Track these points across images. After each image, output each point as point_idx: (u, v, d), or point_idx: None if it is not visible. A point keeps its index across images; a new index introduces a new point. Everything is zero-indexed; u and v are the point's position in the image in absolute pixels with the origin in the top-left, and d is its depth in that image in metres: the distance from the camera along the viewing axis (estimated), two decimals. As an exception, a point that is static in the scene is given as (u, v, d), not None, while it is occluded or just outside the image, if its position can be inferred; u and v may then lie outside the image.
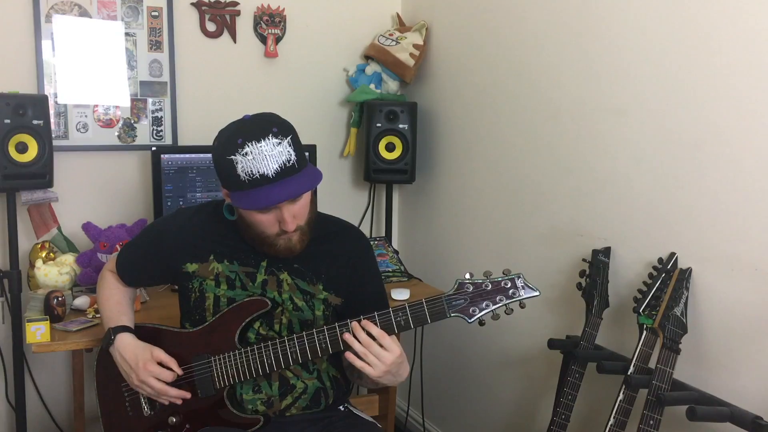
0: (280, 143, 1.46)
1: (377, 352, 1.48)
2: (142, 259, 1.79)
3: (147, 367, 1.60)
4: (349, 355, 1.50)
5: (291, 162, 1.47)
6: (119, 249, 1.94)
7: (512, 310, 1.50)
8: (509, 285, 1.48)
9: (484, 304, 1.48)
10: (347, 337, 1.50)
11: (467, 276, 1.49)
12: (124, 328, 1.69)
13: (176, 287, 1.79)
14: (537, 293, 1.48)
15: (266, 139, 1.45)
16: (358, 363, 1.49)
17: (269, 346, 1.59)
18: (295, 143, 1.49)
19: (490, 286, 1.48)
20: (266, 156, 1.44)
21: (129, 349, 1.64)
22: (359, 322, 1.50)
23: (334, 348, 1.54)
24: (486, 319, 1.49)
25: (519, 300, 1.48)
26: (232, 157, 1.45)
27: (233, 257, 1.66)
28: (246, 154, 1.44)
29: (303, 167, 1.50)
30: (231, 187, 1.51)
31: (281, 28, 2.83)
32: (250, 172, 1.45)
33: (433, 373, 2.97)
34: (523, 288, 1.48)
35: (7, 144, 2.16)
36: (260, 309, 1.62)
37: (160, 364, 1.62)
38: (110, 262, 1.88)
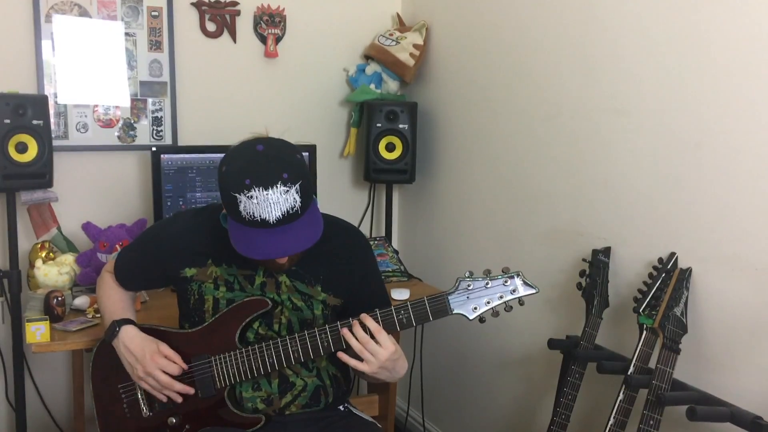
0: (287, 191, 1.43)
1: (373, 349, 1.50)
2: (140, 265, 1.79)
3: (154, 359, 1.60)
4: (341, 355, 1.53)
5: (295, 209, 1.44)
6: (118, 250, 1.94)
7: (511, 307, 1.54)
8: (508, 283, 1.52)
9: (484, 302, 1.52)
10: (345, 332, 1.52)
11: (467, 274, 1.53)
12: (128, 321, 1.69)
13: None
14: (535, 291, 1.53)
15: (275, 187, 1.41)
16: (351, 362, 1.52)
17: (271, 346, 1.59)
18: (303, 189, 1.45)
19: (490, 283, 1.52)
20: (271, 204, 1.42)
21: (135, 341, 1.65)
22: (359, 319, 1.52)
23: (336, 347, 1.55)
24: (486, 317, 1.53)
25: (518, 297, 1.53)
26: (237, 195, 1.43)
27: (231, 260, 1.66)
28: (251, 197, 1.42)
29: (306, 211, 1.48)
30: (230, 214, 1.50)
31: (281, 28, 2.83)
32: (251, 213, 1.43)
33: (433, 373, 2.97)
34: (522, 285, 1.52)
35: (7, 144, 2.16)
36: (261, 308, 1.62)
37: (166, 358, 1.62)
38: (109, 263, 1.88)
